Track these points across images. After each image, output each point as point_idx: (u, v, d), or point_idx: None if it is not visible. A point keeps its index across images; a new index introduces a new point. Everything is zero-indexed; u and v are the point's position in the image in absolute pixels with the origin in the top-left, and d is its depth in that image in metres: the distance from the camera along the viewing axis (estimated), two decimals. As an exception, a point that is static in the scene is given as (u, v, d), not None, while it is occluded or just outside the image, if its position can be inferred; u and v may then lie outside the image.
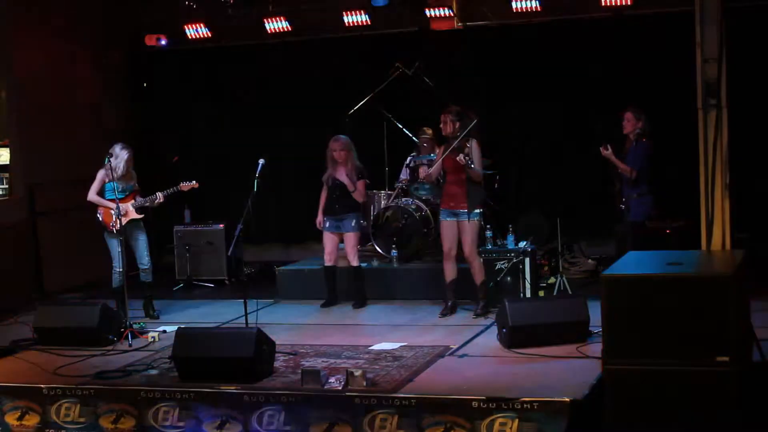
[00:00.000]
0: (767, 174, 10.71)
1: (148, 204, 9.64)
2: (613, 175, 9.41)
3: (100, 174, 9.55)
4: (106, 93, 12.90)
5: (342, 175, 9.86)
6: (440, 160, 9.18)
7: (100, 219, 9.57)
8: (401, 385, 6.94)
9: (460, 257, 9.23)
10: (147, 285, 9.90)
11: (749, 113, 10.05)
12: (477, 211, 9.09)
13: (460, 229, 9.11)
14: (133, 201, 9.60)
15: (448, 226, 9.20)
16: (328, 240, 10.04)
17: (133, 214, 9.61)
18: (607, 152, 9.24)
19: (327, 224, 10.01)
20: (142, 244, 9.74)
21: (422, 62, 11.35)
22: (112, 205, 9.34)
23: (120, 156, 9.52)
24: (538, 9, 11.68)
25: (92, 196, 9.59)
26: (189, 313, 10.27)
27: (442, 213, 9.29)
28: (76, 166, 11.89)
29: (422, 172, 9.95)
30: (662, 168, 9.63)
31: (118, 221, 9.26)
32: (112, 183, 9.45)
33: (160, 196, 9.65)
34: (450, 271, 9.31)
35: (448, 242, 9.21)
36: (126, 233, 9.52)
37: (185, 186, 9.80)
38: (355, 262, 10.02)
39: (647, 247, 7.95)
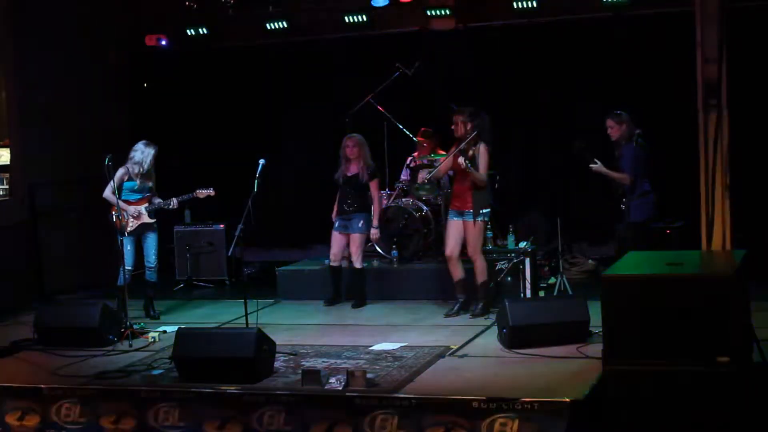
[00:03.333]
0: (767, 174, 10.71)
1: (162, 207, 9.65)
2: (612, 186, 9.36)
3: (119, 172, 9.44)
4: (106, 93, 12.89)
5: (353, 171, 9.86)
6: (445, 160, 9.16)
7: (113, 220, 9.47)
8: (402, 385, 6.93)
9: (464, 257, 9.22)
10: (150, 284, 9.90)
11: (750, 114, 10.05)
12: (482, 212, 9.04)
13: (465, 229, 9.09)
14: (147, 204, 9.60)
15: (452, 225, 9.17)
16: (336, 240, 10.02)
17: (146, 218, 9.60)
18: (597, 166, 9.20)
19: (336, 224, 10.00)
20: (151, 242, 9.74)
21: (422, 62, 11.34)
22: (125, 206, 9.38)
23: (146, 152, 9.53)
24: (539, 9, 11.68)
25: (107, 193, 9.40)
26: (189, 313, 10.27)
27: (450, 213, 9.25)
28: (76, 166, 11.91)
29: (420, 177, 9.97)
30: (662, 168, 9.62)
31: (129, 223, 9.38)
32: (131, 182, 9.50)
33: (175, 202, 9.65)
34: (456, 271, 9.25)
35: (450, 244, 9.15)
36: (137, 233, 9.62)
37: (201, 193, 9.77)
38: (358, 264, 9.99)
39: (647, 247, 7.94)
